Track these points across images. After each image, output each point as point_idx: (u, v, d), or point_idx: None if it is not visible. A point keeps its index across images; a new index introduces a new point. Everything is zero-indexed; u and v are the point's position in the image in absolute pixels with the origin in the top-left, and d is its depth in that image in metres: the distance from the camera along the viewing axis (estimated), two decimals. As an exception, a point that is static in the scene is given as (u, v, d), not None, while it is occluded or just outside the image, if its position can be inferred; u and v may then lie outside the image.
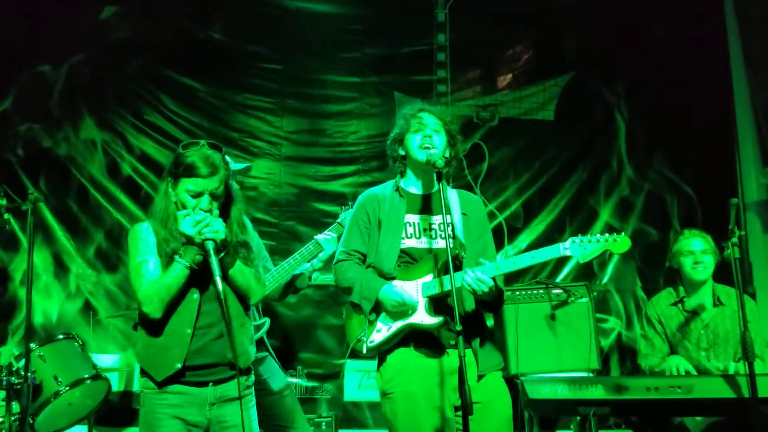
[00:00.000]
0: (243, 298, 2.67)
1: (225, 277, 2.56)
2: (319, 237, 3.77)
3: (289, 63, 5.31)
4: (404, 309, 2.80)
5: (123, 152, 5.20)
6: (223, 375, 2.60)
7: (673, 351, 4.06)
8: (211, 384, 2.59)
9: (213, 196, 2.57)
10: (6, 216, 4.02)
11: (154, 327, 2.57)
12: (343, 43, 5.34)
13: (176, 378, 2.56)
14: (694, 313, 3.96)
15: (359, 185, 5.14)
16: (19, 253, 5.03)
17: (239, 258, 2.64)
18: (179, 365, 2.53)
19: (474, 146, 5.24)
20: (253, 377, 2.76)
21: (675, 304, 4.03)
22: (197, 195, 2.55)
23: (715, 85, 5.30)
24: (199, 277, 2.57)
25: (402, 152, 3.03)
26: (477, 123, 5.35)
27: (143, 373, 2.63)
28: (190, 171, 2.54)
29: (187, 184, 2.55)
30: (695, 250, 3.93)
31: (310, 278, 3.75)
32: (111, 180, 5.17)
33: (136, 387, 4.87)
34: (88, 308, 5.04)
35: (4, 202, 3.97)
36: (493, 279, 2.72)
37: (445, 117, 3.01)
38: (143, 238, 2.63)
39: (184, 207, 2.57)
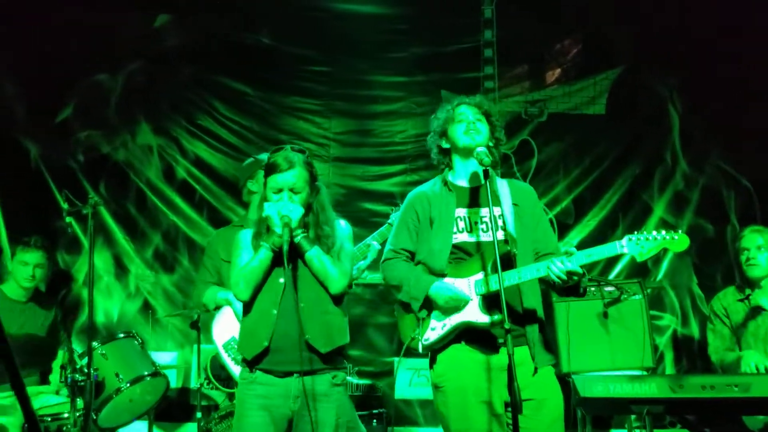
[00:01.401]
0: (324, 286, 2.78)
1: (302, 259, 2.75)
2: (372, 242, 3.79)
3: (336, 65, 5.37)
4: (457, 304, 2.81)
5: (178, 156, 5.34)
6: (307, 366, 2.67)
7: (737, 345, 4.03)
8: (296, 375, 2.67)
9: (293, 191, 2.76)
10: (68, 219, 4.19)
11: (246, 308, 2.80)
12: (390, 43, 5.36)
13: (264, 358, 2.70)
14: (759, 309, 3.93)
15: (407, 184, 5.16)
16: (82, 255, 5.22)
17: (318, 245, 2.77)
18: (266, 343, 2.68)
19: (522, 142, 5.19)
20: (341, 375, 2.81)
21: (742, 300, 4.02)
22: (278, 191, 2.77)
23: (773, 75, 5.13)
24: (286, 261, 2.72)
25: (446, 145, 3.03)
26: (525, 119, 5.30)
27: (243, 360, 2.80)
28: (272, 169, 2.79)
29: (271, 181, 2.79)
30: (749, 247, 3.97)
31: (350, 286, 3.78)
32: (167, 184, 5.32)
33: (193, 384, 4.99)
34: (147, 308, 5.21)
35: (66, 206, 4.13)
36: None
37: (483, 106, 3.01)
38: (242, 238, 2.89)
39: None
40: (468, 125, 2.94)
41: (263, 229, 2.80)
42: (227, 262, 3.34)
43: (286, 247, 2.65)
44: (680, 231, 2.67)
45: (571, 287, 2.77)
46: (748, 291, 4.02)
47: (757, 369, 3.74)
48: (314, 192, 2.86)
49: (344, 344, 2.82)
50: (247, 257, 2.80)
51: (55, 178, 5.27)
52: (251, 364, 2.73)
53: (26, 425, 1.48)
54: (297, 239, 2.70)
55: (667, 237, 2.66)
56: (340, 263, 2.80)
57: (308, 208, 2.81)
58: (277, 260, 2.73)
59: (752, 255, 3.96)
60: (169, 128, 5.37)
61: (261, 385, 2.70)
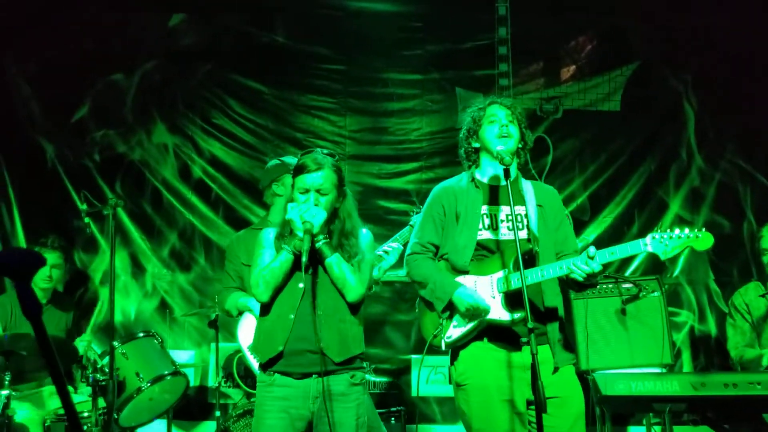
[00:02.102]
0: (342, 293, 2.76)
1: (322, 265, 2.74)
2: (384, 248, 3.79)
3: (351, 63, 5.37)
4: (478, 312, 2.81)
5: (194, 155, 5.35)
6: (326, 367, 2.67)
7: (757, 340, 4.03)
8: (314, 376, 2.68)
9: (319, 192, 2.75)
10: (86, 220, 4.20)
11: (264, 310, 2.79)
12: (405, 40, 5.35)
13: (279, 362, 2.70)
14: None
15: (422, 182, 5.15)
16: (98, 254, 5.24)
17: (340, 252, 2.76)
18: (281, 347, 2.69)
19: (538, 139, 5.16)
20: (360, 374, 2.81)
21: (763, 296, 4.02)
22: (305, 192, 2.75)
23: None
24: (306, 267, 2.71)
25: (477, 144, 3.03)
26: (540, 116, 5.29)
27: (259, 364, 2.81)
28: (300, 170, 2.78)
29: (298, 182, 2.78)
30: None
31: (376, 283, 3.78)
32: (183, 182, 5.33)
33: (211, 382, 5.01)
34: (164, 306, 5.22)
35: (84, 206, 4.14)
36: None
37: (515, 109, 3.02)
38: (265, 237, 2.89)
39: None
40: (501, 129, 2.94)
41: (286, 231, 2.79)
42: (248, 266, 3.34)
43: (305, 253, 2.64)
44: (704, 229, 2.67)
45: (585, 284, 2.78)
46: None
47: None
48: (341, 197, 2.85)
49: (359, 353, 2.81)
50: (269, 257, 2.80)
51: (72, 178, 5.29)
52: (266, 366, 2.74)
53: (68, 421, 1.49)
54: (318, 244, 2.70)
55: (691, 235, 2.65)
56: (359, 272, 2.79)
57: (334, 213, 2.80)
58: (297, 264, 2.73)
59: None
60: (184, 127, 5.37)
61: (280, 387, 2.70)
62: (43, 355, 1.34)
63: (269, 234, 2.90)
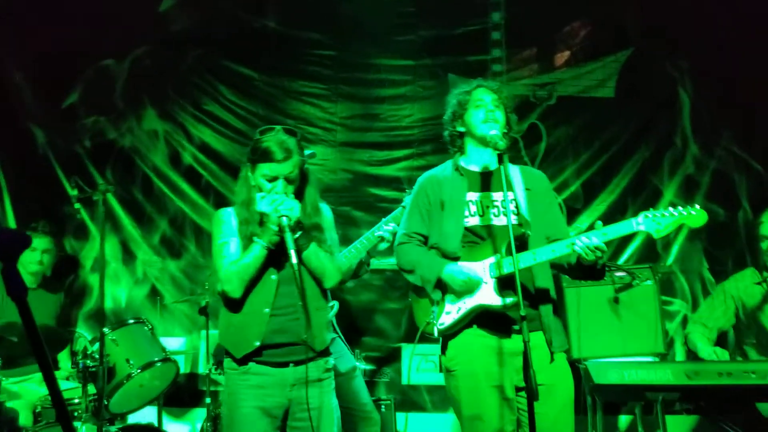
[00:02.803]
0: (319, 281, 2.74)
1: (300, 259, 2.64)
2: (385, 228, 3.77)
3: (343, 48, 5.29)
4: (470, 286, 2.79)
5: (184, 142, 5.30)
6: (302, 356, 2.66)
7: (743, 328, 4.03)
8: (291, 365, 2.66)
9: (288, 180, 2.67)
10: (77, 206, 4.18)
11: (234, 306, 2.70)
12: (397, 26, 5.27)
13: (255, 356, 2.65)
14: None
15: (414, 169, 5.11)
16: (89, 241, 5.22)
17: (314, 240, 2.70)
18: (257, 343, 2.64)
19: (531, 126, 5.13)
20: (332, 360, 2.82)
21: (759, 283, 4.01)
22: (272, 179, 2.66)
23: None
24: (278, 258, 2.67)
25: (461, 129, 3.00)
26: (534, 102, 5.23)
27: (226, 353, 2.75)
28: (266, 156, 2.64)
29: (263, 168, 2.66)
30: None
31: (368, 264, 3.77)
32: (173, 169, 5.28)
33: (201, 369, 5.00)
34: (154, 294, 5.20)
35: (75, 192, 4.13)
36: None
37: (501, 93, 2.98)
38: (226, 221, 2.76)
39: (261, 191, 2.68)
40: (487, 114, 2.91)
41: (255, 219, 2.68)
42: None
43: (292, 249, 2.53)
44: (697, 206, 2.64)
45: (591, 268, 2.74)
46: (766, 274, 4.01)
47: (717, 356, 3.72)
48: (306, 179, 2.77)
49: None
50: (235, 248, 2.69)
51: (62, 164, 5.26)
52: (240, 362, 2.68)
53: (55, 407, 1.49)
54: (295, 236, 2.60)
55: (684, 212, 2.63)
56: (334, 258, 2.77)
57: (299, 190, 2.73)
58: (270, 258, 2.65)
59: None
60: (175, 113, 5.32)
61: (255, 376, 2.66)
62: (29, 336, 1.33)
63: (230, 217, 2.76)
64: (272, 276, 2.68)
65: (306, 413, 2.65)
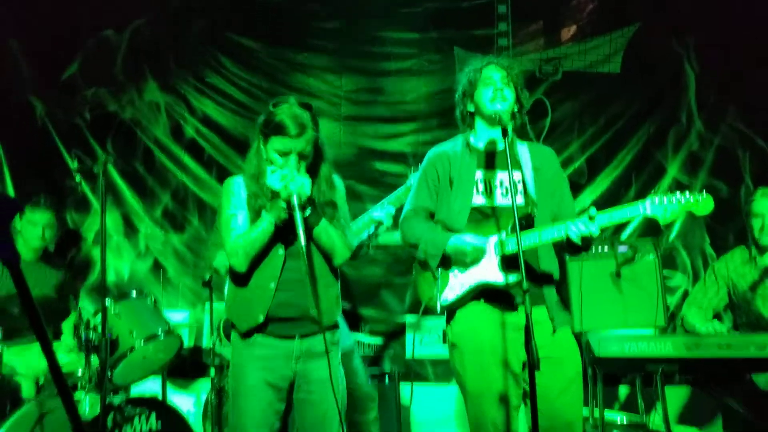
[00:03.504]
0: (328, 258, 2.70)
1: (309, 236, 2.59)
2: (375, 214, 3.75)
3: (348, 21, 5.22)
4: (476, 255, 2.79)
5: (186, 114, 5.25)
6: (308, 329, 2.65)
7: (738, 309, 4.04)
8: (297, 337, 2.65)
9: (301, 155, 2.60)
10: (77, 178, 4.16)
11: (240, 279, 2.65)
12: (403, -2, 5.22)
13: (260, 329, 2.63)
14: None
15: (419, 144, 5.08)
16: (90, 214, 5.20)
17: (325, 217, 2.66)
18: (262, 318, 2.61)
19: (536, 101, 5.10)
20: (338, 334, 2.80)
21: (748, 262, 4.00)
22: (285, 154, 2.59)
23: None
24: (286, 233, 2.62)
25: (471, 108, 2.98)
26: (540, 77, 5.20)
27: (232, 325, 2.73)
28: (279, 130, 2.56)
29: (276, 142, 2.59)
30: (762, 213, 3.93)
31: (368, 247, 3.76)
32: (175, 142, 5.24)
33: (205, 342, 5.02)
34: (157, 267, 5.19)
35: (75, 165, 4.10)
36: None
37: (512, 70, 2.95)
38: (235, 192, 2.70)
39: (273, 164, 2.61)
40: (495, 92, 2.88)
41: (264, 193, 2.62)
42: None
43: (301, 228, 2.49)
44: (704, 193, 2.63)
45: (578, 246, 2.75)
46: (755, 252, 4.02)
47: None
48: (321, 155, 2.71)
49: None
50: (243, 221, 2.65)
51: (62, 136, 5.21)
52: (244, 335, 2.66)
53: (54, 379, 1.46)
54: (305, 214, 2.55)
55: (692, 199, 2.61)
56: (345, 235, 2.72)
57: (315, 174, 2.67)
58: (278, 233, 2.61)
59: (767, 223, 3.91)
60: (176, 85, 5.26)
61: (261, 347, 2.65)
62: (22, 303, 1.31)
63: (239, 188, 2.71)
64: (279, 251, 2.64)
65: (309, 386, 2.66)
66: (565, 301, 2.98)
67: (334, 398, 2.65)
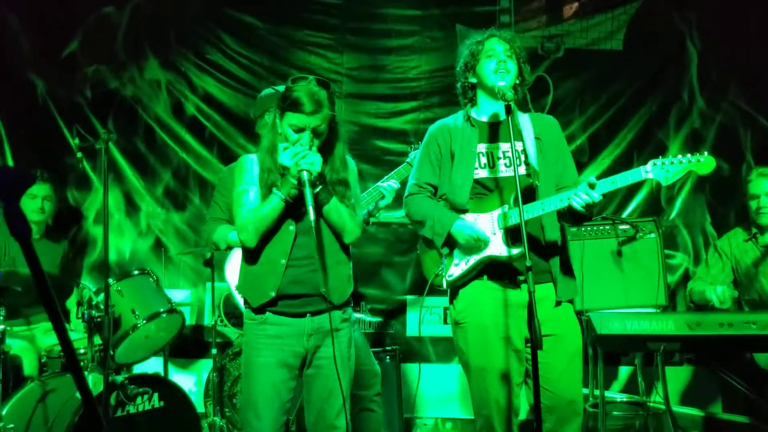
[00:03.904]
0: (338, 236, 2.72)
1: (319, 213, 2.62)
2: (382, 184, 3.75)
3: (350, -3, 5.17)
4: (478, 244, 2.80)
5: (187, 92, 5.21)
6: (320, 306, 2.67)
7: (743, 285, 4.06)
8: (308, 315, 2.67)
9: (315, 133, 2.61)
10: (79, 155, 4.14)
11: (251, 255, 2.69)
12: (405, -26, 5.15)
13: (271, 306, 2.66)
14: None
15: (421, 122, 5.06)
16: (92, 192, 5.19)
17: (336, 195, 2.67)
18: (273, 294, 2.63)
19: (538, 78, 5.07)
20: (350, 311, 2.82)
21: (749, 240, 4.02)
22: (299, 130, 2.60)
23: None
24: (297, 210, 2.64)
25: (473, 80, 2.96)
26: (542, 54, 5.17)
27: (245, 302, 2.75)
28: (295, 106, 2.57)
29: (291, 118, 2.59)
30: (759, 193, 3.95)
31: (367, 223, 3.76)
32: (176, 120, 5.20)
33: (207, 321, 5.04)
34: (158, 245, 5.18)
35: (77, 141, 4.08)
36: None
37: (514, 43, 2.93)
38: (248, 168, 2.73)
39: (287, 140, 2.63)
40: (498, 64, 2.86)
41: (277, 168, 2.64)
42: None
43: (310, 205, 2.50)
44: (706, 153, 2.63)
45: (581, 216, 2.75)
46: (754, 230, 4.04)
47: (718, 298, 3.76)
48: (336, 134, 2.73)
49: (351, 291, 2.81)
50: (254, 197, 2.67)
51: (63, 114, 5.17)
52: (257, 310, 2.69)
53: (66, 356, 1.46)
54: (315, 191, 2.57)
55: (693, 159, 2.63)
56: (355, 214, 2.74)
57: (328, 151, 2.68)
58: (288, 209, 2.62)
59: (763, 203, 3.94)
60: (177, 63, 5.21)
61: (272, 326, 2.67)
62: (34, 278, 1.30)
63: (252, 165, 2.74)
64: (290, 227, 2.66)
65: (318, 362, 2.69)
66: (569, 268, 2.97)
67: (344, 373, 2.69)
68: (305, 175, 2.54)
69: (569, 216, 2.78)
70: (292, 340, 2.68)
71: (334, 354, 2.63)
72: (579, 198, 2.65)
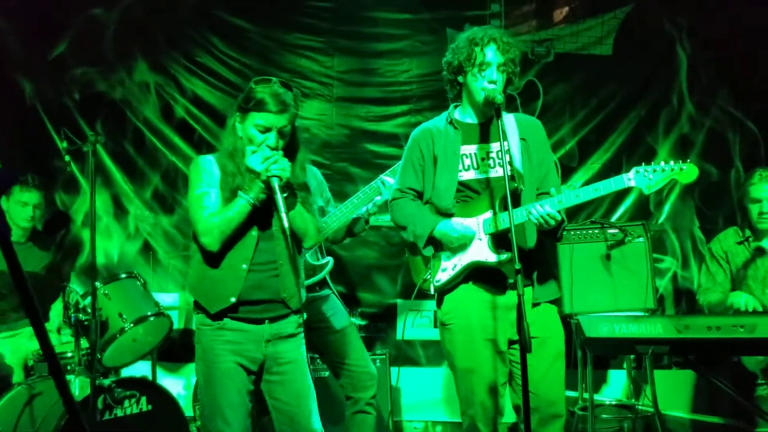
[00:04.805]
0: (298, 241, 2.71)
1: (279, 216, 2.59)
2: (386, 179, 3.73)
3: (340, 1, 5.17)
4: (463, 241, 2.80)
5: (176, 95, 5.19)
6: (278, 312, 2.67)
7: (735, 288, 4.04)
8: (267, 321, 2.66)
9: (280, 133, 2.59)
10: (66, 158, 4.11)
11: (211, 259, 2.62)
12: (396, -22, 5.16)
13: (230, 312, 2.62)
14: (761, 251, 3.92)
15: (411, 125, 5.03)
16: (80, 195, 5.15)
17: (299, 200, 2.66)
18: (234, 299, 2.59)
19: (528, 83, 5.09)
20: (305, 316, 2.82)
21: (741, 242, 4.01)
22: (266, 130, 2.57)
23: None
24: (260, 214, 2.62)
25: (461, 80, 2.92)
26: (532, 59, 5.18)
27: (198, 308, 2.70)
28: (260, 106, 2.56)
29: (257, 118, 2.57)
30: (762, 198, 3.90)
31: (367, 222, 3.75)
32: (165, 123, 5.18)
33: (194, 325, 5.00)
34: (147, 249, 5.16)
35: (65, 144, 4.05)
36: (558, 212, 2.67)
37: (509, 55, 2.85)
38: (207, 170, 2.66)
39: (251, 142, 2.59)
40: (489, 83, 2.81)
41: (242, 172, 2.59)
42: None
43: (283, 212, 2.48)
44: (688, 161, 2.63)
45: (549, 231, 2.75)
46: (748, 233, 4.02)
47: (746, 308, 3.74)
48: (297, 138, 2.72)
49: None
50: (215, 199, 2.61)
51: (51, 117, 5.14)
52: (214, 317, 2.64)
53: (46, 359, 1.43)
54: (284, 196, 2.54)
55: (675, 168, 2.61)
56: (316, 219, 2.75)
57: (288, 148, 2.66)
58: (254, 214, 2.59)
59: (765, 209, 3.89)
60: (166, 65, 5.20)
61: (231, 331, 2.63)
62: (13, 278, 1.27)
63: (211, 166, 2.67)
64: (253, 232, 2.63)
65: (281, 367, 2.69)
66: (554, 276, 2.97)
67: (305, 377, 2.71)
68: (275, 181, 2.52)
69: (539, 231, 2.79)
70: (250, 345, 2.65)
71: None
72: (535, 211, 2.65)
